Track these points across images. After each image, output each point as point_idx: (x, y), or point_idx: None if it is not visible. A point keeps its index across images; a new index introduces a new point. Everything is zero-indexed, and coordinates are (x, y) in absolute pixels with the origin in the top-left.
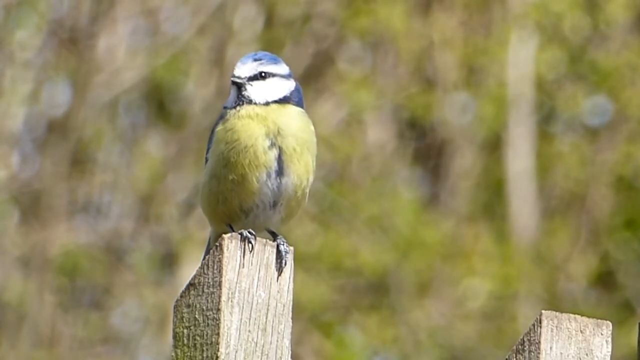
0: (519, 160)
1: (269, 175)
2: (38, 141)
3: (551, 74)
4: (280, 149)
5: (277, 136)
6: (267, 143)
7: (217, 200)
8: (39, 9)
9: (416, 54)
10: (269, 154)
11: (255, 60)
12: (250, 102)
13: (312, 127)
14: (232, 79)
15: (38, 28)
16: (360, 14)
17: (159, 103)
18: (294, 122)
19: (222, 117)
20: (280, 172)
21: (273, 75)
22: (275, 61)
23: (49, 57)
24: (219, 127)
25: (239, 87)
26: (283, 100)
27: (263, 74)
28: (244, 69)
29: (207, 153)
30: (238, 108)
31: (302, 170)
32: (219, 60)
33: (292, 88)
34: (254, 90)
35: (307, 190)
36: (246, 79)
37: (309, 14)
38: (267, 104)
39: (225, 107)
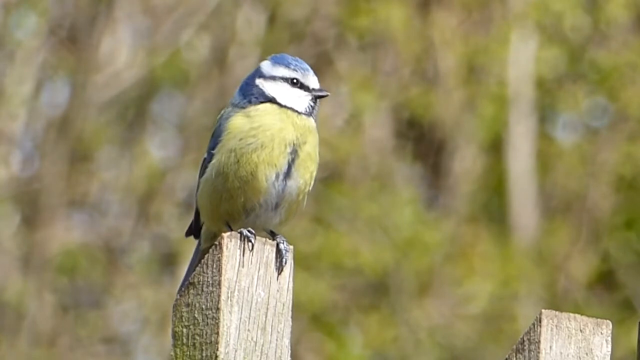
0: (519, 159)
1: (277, 176)
2: (37, 141)
3: (551, 74)
4: (296, 155)
5: (302, 145)
6: (289, 149)
7: (221, 197)
8: (38, 8)
9: (416, 53)
10: (285, 158)
11: (315, 74)
12: (312, 114)
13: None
14: (322, 93)
15: (38, 28)
16: (360, 13)
17: (159, 103)
18: (316, 135)
19: (243, 109)
20: (287, 174)
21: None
22: None
23: (49, 56)
24: (236, 120)
25: (319, 98)
26: (316, 119)
27: (326, 94)
28: (314, 81)
29: (212, 149)
30: (281, 106)
31: (307, 176)
32: (220, 60)
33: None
34: (318, 106)
35: (306, 196)
36: (317, 92)
37: (310, 15)
38: (315, 119)
39: (246, 101)
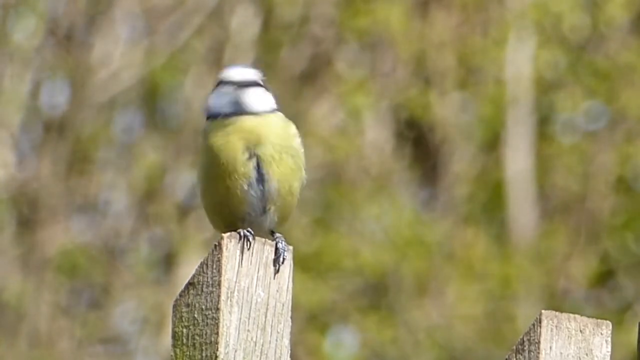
0: (518, 160)
1: (250, 185)
2: (36, 141)
3: (550, 74)
4: (258, 157)
5: (256, 146)
6: (246, 156)
7: (214, 210)
8: (37, 9)
9: (414, 54)
10: (248, 165)
11: (251, 68)
12: (239, 111)
13: (294, 130)
14: (226, 80)
15: (36, 28)
16: (358, 14)
17: (156, 103)
18: (274, 130)
19: (204, 130)
20: (260, 179)
21: (259, 84)
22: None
23: (47, 57)
24: (202, 141)
25: (240, 90)
26: (267, 110)
27: (255, 82)
28: (237, 73)
29: (197, 165)
30: (219, 119)
31: (282, 175)
32: (217, 61)
33: (272, 97)
34: (248, 97)
35: (296, 192)
36: (242, 84)
37: (307, 15)
38: (253, 113)
39: (210, 115)
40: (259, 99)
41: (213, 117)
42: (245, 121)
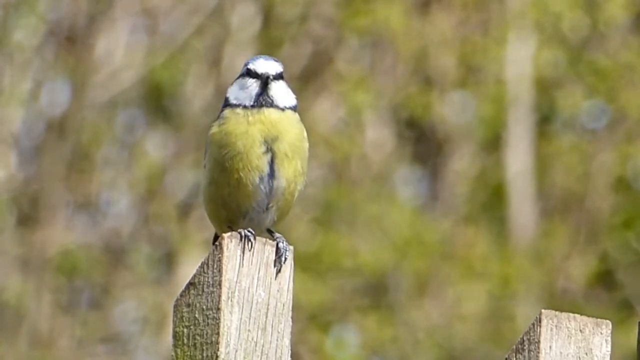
0: (518, 160)
1: (261, 179)
2: (36, 141)
3: (550, 74)
4: (273, 153)
5: (274, 142)
6: (262, 149)
7: (217, 204)
8: (37, 9)
9: (415, 53)
10: (263, 159)
11: (275, 61)
12: (266, 103)
13: (305, 133)
14: (260, 71)
15: (36, 28)
16: (359, 13)
17: (157, 103)
18: (292, 129)
19: (218, 119)
20: (271, 175)
21: (282, 77)
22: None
23: (48, 57)
24: (214, 131)
25: (266, 83)
26: (288, 106)
27: (280, 75)
28: (262, 65)
29: (205, 159)
30: (239, 109)
31: (291, 174)
32: (217, 60)
33: (293, 93)
34: (276, 91)
35: (296, 193)
36: (272, 76)
37: (307, 14)
38: (278, 108)
39: (228, 106)
40: (282, 94)
41: (232, 106)
42: (269, 114)
